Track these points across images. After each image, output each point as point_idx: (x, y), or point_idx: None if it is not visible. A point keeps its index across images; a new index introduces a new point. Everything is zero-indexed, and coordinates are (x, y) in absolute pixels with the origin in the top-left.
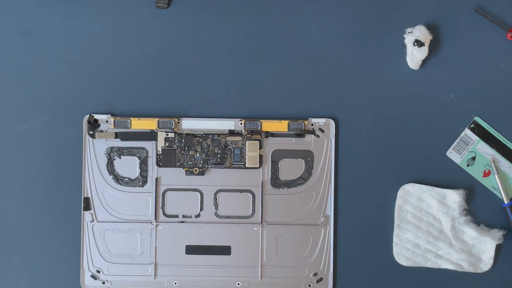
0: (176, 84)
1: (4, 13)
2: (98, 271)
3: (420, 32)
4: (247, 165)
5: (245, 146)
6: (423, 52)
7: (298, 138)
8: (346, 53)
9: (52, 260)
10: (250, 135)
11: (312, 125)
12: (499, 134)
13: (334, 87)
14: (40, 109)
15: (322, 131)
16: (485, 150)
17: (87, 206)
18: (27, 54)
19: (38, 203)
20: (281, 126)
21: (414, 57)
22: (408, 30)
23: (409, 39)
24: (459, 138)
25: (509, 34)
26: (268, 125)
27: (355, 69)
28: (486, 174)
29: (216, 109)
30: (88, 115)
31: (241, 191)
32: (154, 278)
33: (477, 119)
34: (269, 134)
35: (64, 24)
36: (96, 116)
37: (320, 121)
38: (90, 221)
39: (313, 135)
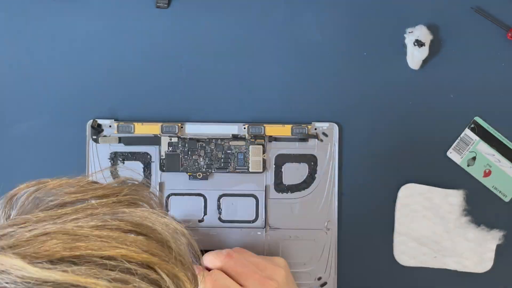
0: (179, 88)
1: (4, 13)
2: None
3: (420, 32)
4: (250, 170)
5: (249, 150)
6: (423, 52)
7: (302, 142)
8: (346, 53)
9: None
10: (253, 140)
11: (315, 129)
12: (500, 134)
13: (337, 90)
14: (43, 114)
15: (326, 135)
16: (485, 150)
17: None
18: (28, 56)
19: None
20: (285, 130)
21: (415, 57)
22: (409, 30)
23: (409, 39)
24: (459, 138)
25: (509, 34)
26: (271, 130)
27: (355, 70)
28: (487, 174)
29: (220, 114)
30: (91, 120)
31: (245, 195)
32: None
33: (477, 119)
34: (272, 139)
35: (64, 25)
36: (100, 121)
37: (324, 125)
38: None
39: (316, 139)
